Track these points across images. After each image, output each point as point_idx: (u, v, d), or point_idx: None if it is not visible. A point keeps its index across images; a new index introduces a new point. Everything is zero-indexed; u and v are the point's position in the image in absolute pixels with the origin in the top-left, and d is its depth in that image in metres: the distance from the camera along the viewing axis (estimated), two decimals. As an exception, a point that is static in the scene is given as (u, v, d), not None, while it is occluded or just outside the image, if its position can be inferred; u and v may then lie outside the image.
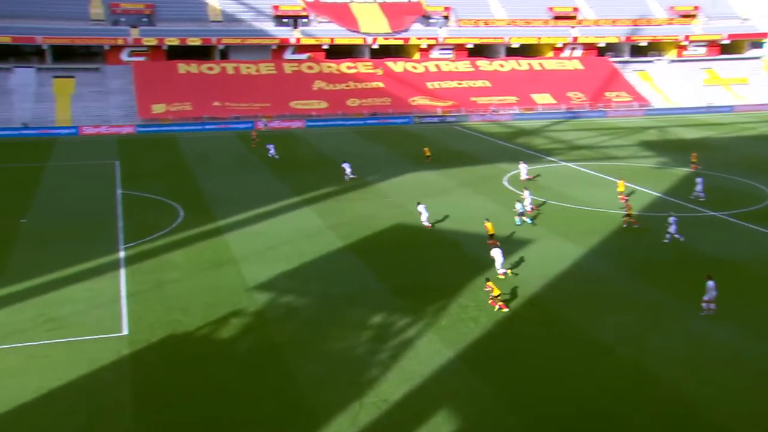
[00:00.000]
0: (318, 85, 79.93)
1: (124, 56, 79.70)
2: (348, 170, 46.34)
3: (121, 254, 31.72)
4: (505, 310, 24.94)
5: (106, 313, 25.19)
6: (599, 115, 79.76)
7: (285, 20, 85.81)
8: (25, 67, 75.24)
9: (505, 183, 45.40)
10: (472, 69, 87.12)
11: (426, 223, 34.94)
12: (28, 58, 79.11)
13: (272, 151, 54.53)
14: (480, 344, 22.65)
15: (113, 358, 21.82)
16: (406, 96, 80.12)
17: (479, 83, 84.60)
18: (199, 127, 70.47)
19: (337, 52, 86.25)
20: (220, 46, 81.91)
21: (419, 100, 79.81)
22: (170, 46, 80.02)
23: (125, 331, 23.70)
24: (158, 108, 72.91)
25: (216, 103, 74.57)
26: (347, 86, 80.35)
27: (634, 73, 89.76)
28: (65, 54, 79.63)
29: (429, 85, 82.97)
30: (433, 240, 33.00)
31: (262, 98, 76.49)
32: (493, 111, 79.20)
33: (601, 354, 21.70)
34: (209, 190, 43.96)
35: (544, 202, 39.62)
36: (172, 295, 26.95)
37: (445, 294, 26.60)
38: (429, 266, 29.71)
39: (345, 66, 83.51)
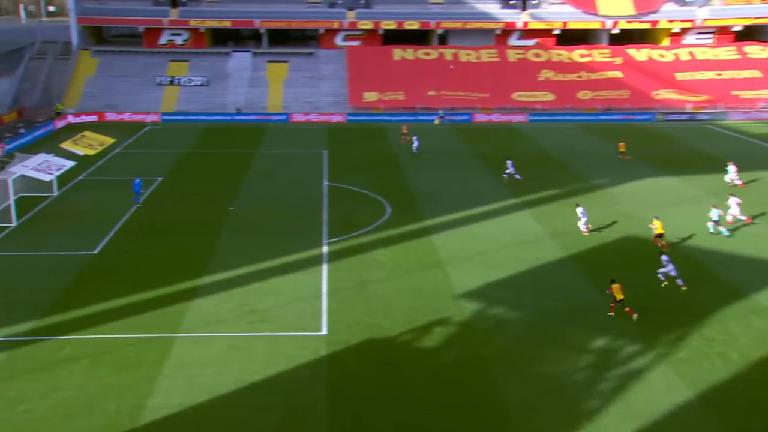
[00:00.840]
0: (545, 74, 78.63)
1: (338, 40, 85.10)
2: (511, 168, 45.83)
3: (325, 249, 33.78)
4: (635, 316, 25.04)
5: (306, 309, 27.00)
6: None
7: (512, 2, 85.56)
8: (242, 51, 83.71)
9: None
10: (737, 56, 80.00)
11: (583, 228, 34.59)
12: (245, 42, 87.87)
13: (416, 144, 55.61)
14: (727, 386, 21.03)
15: (311, 357, 23.29)
16: (649, 89, 75.89)
17: (745, 73, 77.50)
18: (411, 118, 73.04)
19: (570, 37, 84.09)
20: (439, 31, 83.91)
21: (664, 94, 75.13)
22: (386, 31, 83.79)
23: (324, 330, 25.20)
24: (370, 96, 76.73)
25: (431, 92, 76.59)
26: (578, 77, 78.06)
27: None
28: (280, 38, 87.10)
29: (678, 76, 77.76)
30: (672, 257, 30.81)
31: (482, 88, 77.05)
32: (763, 107, 72.26)
33: None
34: (418, 186, 45.27)
35: (759, 215, 35.85)
36: (374, 295, 28.17)
37: (685, 322, 25.02)
38: (666, 288, 27.98)
39: (577, 54, 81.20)
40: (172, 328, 25.48)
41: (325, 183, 46.84)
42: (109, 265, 32.08)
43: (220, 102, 77.63)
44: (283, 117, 73.58)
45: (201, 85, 78.44)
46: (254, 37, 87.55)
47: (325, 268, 31.35)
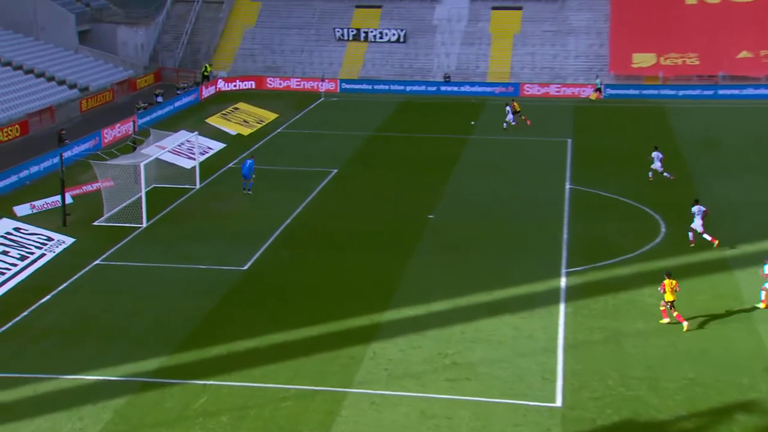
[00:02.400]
0: None
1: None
2: (657, 163, 46.57)
3: (563, 281, 33.58)
4: (685, 324, 28.99)
5: (532, 368, 26.73)
6: None
7: None
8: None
9: None
10: None
11: (700, 230, 36.89)
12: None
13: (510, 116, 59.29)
14: None
15: (538, 438, 23.17)
16: None
17: None
18: (710, 92, 70.55)
19: None
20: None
21: None
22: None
23: (559, 401, 24.77)
24: (642, 60, 75.12)
25: (743, 54, 73.68)
26: None
27: None
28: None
29: None
30: None
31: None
32: None
33: None
34: (713, 194, 43.79)
35: None
36: (636, 356, 27.44)
37: None
38: None
39: None
40: (342, 380, 26.10)
41: (568, 185, 46.65)
42: (262, 286, 33.63)
43: (424, 66, 79.35)
44: (511, 89, 73.90)
45: (396, 41, 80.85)
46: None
47: (562, 309, 31.08)
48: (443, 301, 31.83)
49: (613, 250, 36.65)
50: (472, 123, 39.01)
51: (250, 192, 44.98)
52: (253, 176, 45.40)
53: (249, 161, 45.77)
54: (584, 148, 54.98)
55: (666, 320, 29.59)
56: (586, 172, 49.29)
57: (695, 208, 37.18)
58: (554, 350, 28.01)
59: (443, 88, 75.37)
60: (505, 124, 60.22)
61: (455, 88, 75.12)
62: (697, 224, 36.94)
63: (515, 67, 77.70)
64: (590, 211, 42.35)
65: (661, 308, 29.71)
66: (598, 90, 71.71)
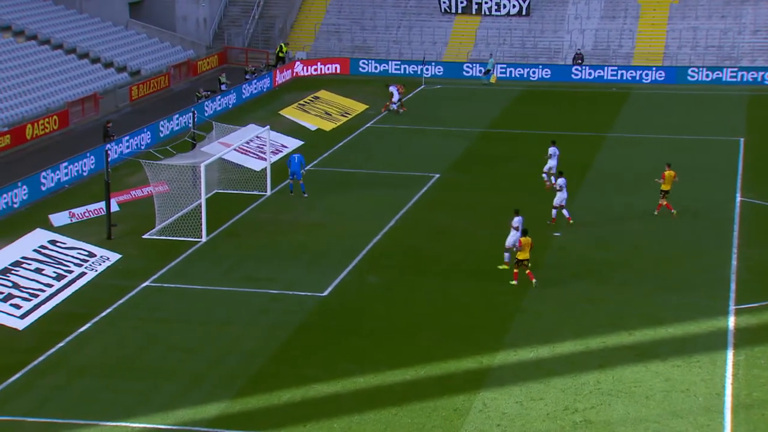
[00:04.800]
0: None
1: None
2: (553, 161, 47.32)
3: (730, 321, 33.04)
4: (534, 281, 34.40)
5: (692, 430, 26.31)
6: None
7: None
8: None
9: None
10: None
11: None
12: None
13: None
14: None
15: None
16: None
17: None
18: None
19: None
20: None
21: None
22: None
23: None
24: None
25: None
26: None
27: None
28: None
29: None
30: None
31: None
32: None
33: None
34: None
35: None
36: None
37: None
38: None
39: None
40: (444, 439, 26.10)
41: (738, 198, 46.23)
42: (344, 318, 33.69)
43: (548, 45, 79.00)
44: (662, 73, 72.96)
45: (517, 14, 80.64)
46: None
47: (729, 356, 30.50)
48: (572, 342, 31.51)
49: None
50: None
51: (305, 194, 45.47)
52: (304, 172, 45.98)
53: (297, 155, 46.21)
54: (761, 149, 54.33)
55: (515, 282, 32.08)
56: (762, 180, 48.73)
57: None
58: (719, 410, 27.35)
59: (575, 74, 74.81)
60: (389, 109, 62.30)
61: (591, 74, 74.48)
62: None
63: (671, 46, 76.61)
64: (758, 231, 41.77)
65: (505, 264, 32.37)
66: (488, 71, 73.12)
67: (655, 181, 43.28)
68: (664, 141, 56.89)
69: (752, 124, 60.36)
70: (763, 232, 41.81)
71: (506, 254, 37.48)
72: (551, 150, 47.96)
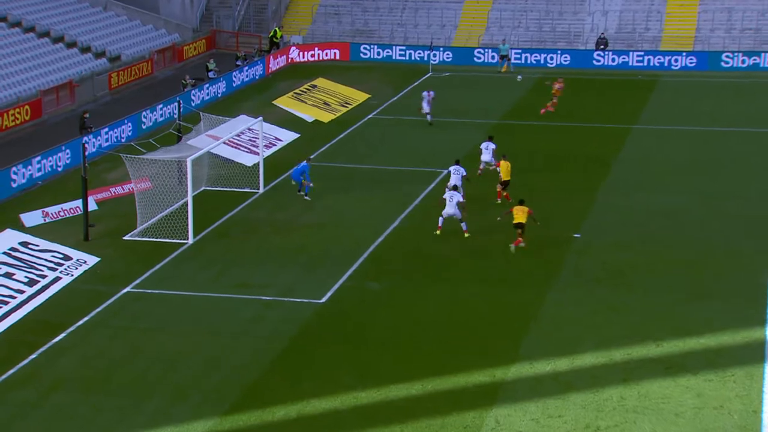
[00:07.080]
0: None
1: None
2: (486, 155, 48.22)
3: (767, 331, 33.06)
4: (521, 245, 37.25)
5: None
6: None
7: None
8: None
9: None
10: None
11: None
12: None
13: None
14: None
15: None
16: None
17: None
18: None
19: None
20: None
21: None
22: None
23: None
24: None
25: None
26: None
27: None
28: None
29: None
30: None
31: None
32: None
33: None
34: None
35: None
36: None
37: None
38: None
39: None
40: (454, 460, 26.10)
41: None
42: (344, 327, 33.74)
43: (568, 28, 79.15)
44: (693, 59, 73.12)
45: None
46: None
47: (767, 370, 30.48)
48: (593, 353, 31.48)
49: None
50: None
51: (307, 197, 45.58)
52: (311, 184, 45.69)
53: (303, 165, 45.74)
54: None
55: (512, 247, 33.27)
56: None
57: None
58: (756, 429, 27.31)
59: (597, 60, 74.91)
60: (430, 116, 59.62)
61: (614, 60, 74.61)
62: None
63: (702, 29, 76.66)
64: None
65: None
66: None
67: (490, 168, 46.64)
68: (694, 133, 56.93)
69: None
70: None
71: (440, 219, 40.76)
72: (484, 145, 48.23)
